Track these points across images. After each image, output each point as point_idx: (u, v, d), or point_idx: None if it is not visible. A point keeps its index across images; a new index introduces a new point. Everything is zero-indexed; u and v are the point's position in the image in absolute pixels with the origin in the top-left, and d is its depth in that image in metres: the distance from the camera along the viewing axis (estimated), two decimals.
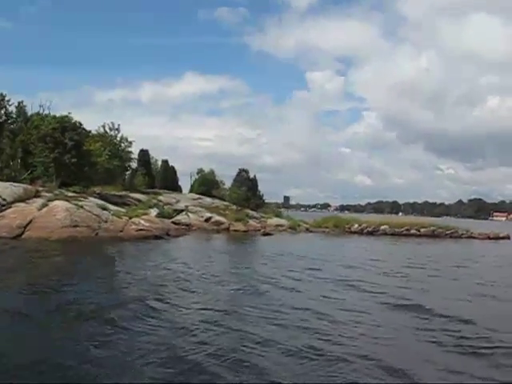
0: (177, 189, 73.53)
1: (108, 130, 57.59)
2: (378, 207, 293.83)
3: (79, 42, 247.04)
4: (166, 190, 64.04)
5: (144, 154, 70.45)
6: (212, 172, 76.67)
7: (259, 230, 47.40)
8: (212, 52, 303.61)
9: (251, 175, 66.15)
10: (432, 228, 51.81)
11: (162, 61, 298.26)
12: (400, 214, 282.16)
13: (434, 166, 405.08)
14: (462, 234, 52.07)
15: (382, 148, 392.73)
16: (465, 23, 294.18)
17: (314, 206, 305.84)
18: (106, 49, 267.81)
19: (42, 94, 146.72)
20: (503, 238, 54.00)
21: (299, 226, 51.69)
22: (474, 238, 52.11)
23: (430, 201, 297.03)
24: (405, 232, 51.13)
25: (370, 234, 50.89)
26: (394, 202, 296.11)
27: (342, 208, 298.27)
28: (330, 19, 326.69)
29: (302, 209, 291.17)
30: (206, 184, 72.46)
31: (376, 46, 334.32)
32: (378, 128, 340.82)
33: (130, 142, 58.15)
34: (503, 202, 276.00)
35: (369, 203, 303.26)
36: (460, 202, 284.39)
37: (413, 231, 51.26)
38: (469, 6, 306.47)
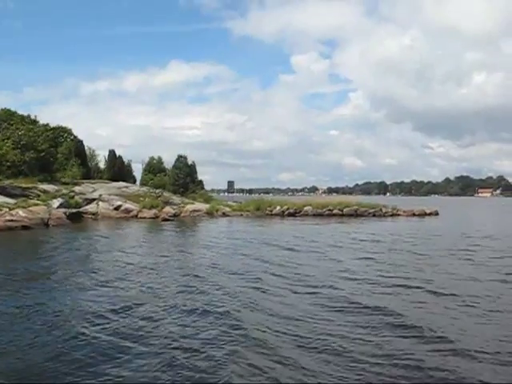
0: (126, 179, 71.90)
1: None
2: (365, 188, 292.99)
3: (61, 34, 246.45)
4: (104, 181, 62.24)
5: (78, 144, 68.71)
6: (159, 159, 75.14)
7: (173, 216, 46.08)
8: (195, 39, 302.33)
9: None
10: (355, 207, 50.16)
11: (145, 50, 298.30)
12: (387, 194, 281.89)
13: (424, 145, 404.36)
14: (386, 212, 50.39)
15: (370, 128, 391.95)
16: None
17: (302, 190, 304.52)
18: (88, 40, 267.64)
19: (27, 89, 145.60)
20: (430, 214, 52.34)
21: (217, 210, 50.03)
22: (399, 215, 50.49)
23: (418, 179, 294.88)
24: (327, 212, 49.54)
25: (292, 215, 49.33)
26: (382, 183, 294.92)
27: (330, 191, 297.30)
28: (312, 1, 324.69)
29: (290, 193, 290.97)
30: (153, 172, 71.07)
31: (359, 26, 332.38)
32: (365, 108, 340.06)
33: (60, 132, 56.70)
34: (490, 177, 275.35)
35: (357, 184, 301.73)
36: (447, 179, 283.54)
37: (336, 211, 49.65)
38: None
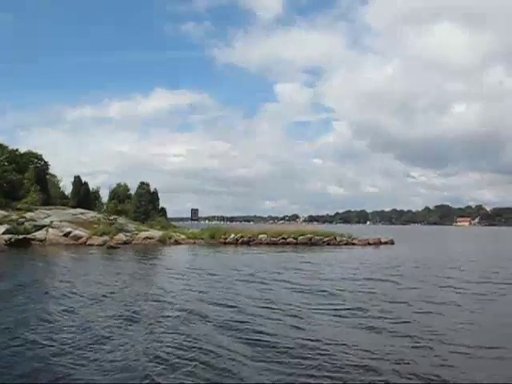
0: (90, 205, 71.07)
1: None
2: (346, 217, 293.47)
3: (46, 61, 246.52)
4: (63, 207, 61.35)
5: (39, 170, 68.11)
6: (125, 186, 74.60)
7: (123, 243, 45.72)
8: (179, 67, 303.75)
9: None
10: (309, 236, 49.79)
11: (130, 77, 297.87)
12: (368, 222, 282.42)
13: (406, 174, 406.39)
14: (340, 241, 50.09)
15: (353, 157, 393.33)
16: (428, 31, 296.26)
17: (283, 218, 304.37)
18: (73, 67, 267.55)
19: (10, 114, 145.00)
20: (385, 243, 52.11)
21: (170, 238, 49.53)
22: (354, 244, 50.18)
23: (400, 208, 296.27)
24: (281, 241, 49.21)
25: (246, 243, 48.90)
26: (362, 211, 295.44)
27: (311, 219, 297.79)
28: (296, 30, 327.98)
29: (271, 221, 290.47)
30: (118, 198, 70.45)
31: (342, 56, 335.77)
32: (348, 137, 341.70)
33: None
34: (469, 207, 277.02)
35: (337, 213, 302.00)
36: (427, 208, 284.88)
37: (290, 240, 49.28)
38: (431, 15, 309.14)
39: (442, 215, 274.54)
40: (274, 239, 49.45)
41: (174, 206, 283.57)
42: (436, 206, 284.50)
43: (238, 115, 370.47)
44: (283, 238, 49.43)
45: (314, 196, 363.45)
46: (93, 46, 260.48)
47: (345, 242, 50.22)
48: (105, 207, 52.52)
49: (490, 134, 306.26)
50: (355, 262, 32.38)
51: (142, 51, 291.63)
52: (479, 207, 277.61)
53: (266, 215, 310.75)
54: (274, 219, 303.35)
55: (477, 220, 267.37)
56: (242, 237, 49.88)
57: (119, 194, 71.43)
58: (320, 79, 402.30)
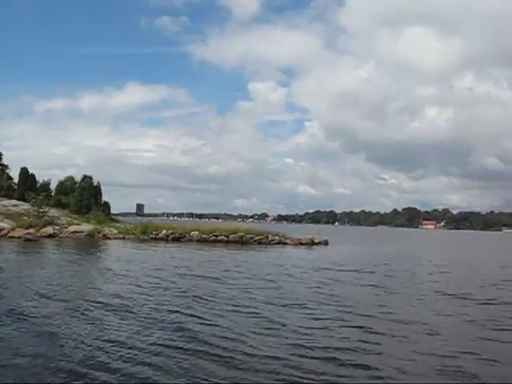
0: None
1: None
2: (315, 217, 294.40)
3: (19, 51, 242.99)
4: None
5: None
6: (72, 179, 73.40)
7: (49, 236, 44.97)
8: (154, 61, 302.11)
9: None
10: (240, 234, 49.27)
11: (103, 70, 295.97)
12: (336, 223, 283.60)
13: (377, 176, 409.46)
14: (272, 240, 49.64)
15: (325, 158, 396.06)
16: (402, 35, 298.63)
17: (252, 217, 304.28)
18: (46, 58, 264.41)
19: None
20: (319, 243, 51.80)
21: (99, 232, 48.76)
22: (286, 244, 49.78)
23: (371, 210, 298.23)
24: (213, 238, 48.66)
25: (177, 240, 48.25)
26: (331, 212, 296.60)
27: (280, 218, 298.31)
28: (272, 29, 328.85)
29: (240, 219, 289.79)
30: (65, 192, 69.32)
31: (318, 57, 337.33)
32: (320, 138, 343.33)
33: None
34: (436, 210, 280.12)
35: (307, 213, 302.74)
36: (395, 210, 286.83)
37: (221, 237, 48.76)
38: (406, 19, 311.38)
39: (410, 218, 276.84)
40: (206, 236, 48.84)
41: (144, 201, 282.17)
42: (404, 209, 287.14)
43: (211, 112, 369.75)
44: (215, 236, 48.87)
45: (286, 195, 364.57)
46: (67, 38, 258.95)
47: (277, 241, 49.71)
48: (33, 200, 51.20)
49: (460, 140, 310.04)
50: (262, 261, 32.02)
51: (116, 44, 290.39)
52: (446, 211, 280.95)
53: (236, 213, 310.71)
54: (244, 217, 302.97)
55: (442, 223, 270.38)
56: (172, 233, 49.21)
57: (66, 187, 70.32)
58: (295, 79, 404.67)
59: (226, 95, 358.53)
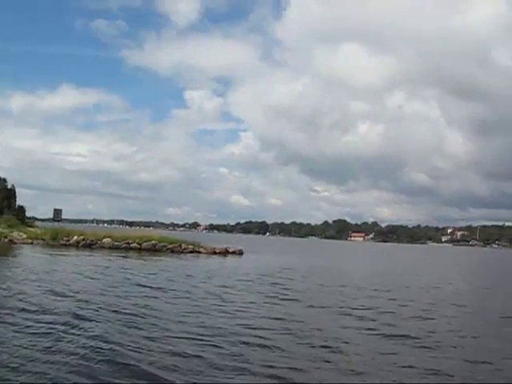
0: None
1: None
2: (246, 227, 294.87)
3: None
4: None
5: None
6: None
7: None
8: (89, 64, 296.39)
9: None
10: (153, 242, 48.71)
11: (36, 70, 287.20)
12: (267, 234, 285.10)
13: (310, 188, 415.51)
14: (185, 249, 49.26)
15: (258, 168, 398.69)
16: (338, 51, 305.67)
17: (183, 226, 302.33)
18: None
19: None
20: (233, 253, 51.74)
21: (6, 237, 47.21)
22: (200, 252, 49.51)
23: (302, 221, 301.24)
24: (125, 245, 47.86)
25: (89, 246, 47.20)
26: (263, 222, 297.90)
27: (212, 227, 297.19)
28: (209, 38, 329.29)
29: (171, 228, 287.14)
30: None
31: (254, 68, 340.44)
32: (255, 149, 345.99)
33: None
34: (365, 223, 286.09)
35: (238, 223, 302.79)
36: (326, 222, 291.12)
37: (134, 245, 48.04)
38: (342, 35, 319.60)
39: (340, 230, 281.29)
40: (118, 244, 48.00)
41: (73, 207, 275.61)
42: (334, 221, 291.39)
43: (145, 119, 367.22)
44: (127, 243, 48.11)
45: (218, 205, 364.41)
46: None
47: (190, 250, 49.39)
48: None
49: (390, 155, 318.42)
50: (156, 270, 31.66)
51: (51, 45, 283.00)
52: (374, 224, 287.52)
53: (168, 221, 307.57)
54: (175, 226, 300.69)
55: (371, 236, 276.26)
56: (83, 239, 48.14)
57: None
58: (230, 89, 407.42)
59: (161, 102, 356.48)
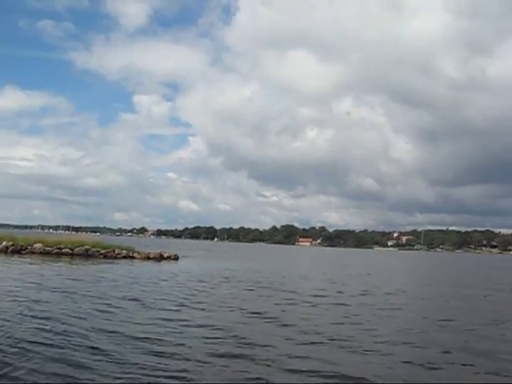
0: None
1: None
2: (194, 232, 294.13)
3: None
4: None
5: None
6: None
7: None
8: (34, 66, 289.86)
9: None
10: (86, 247, 47.87)
11: None
12: (216, 239, 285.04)
13: (258, 193, 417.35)
14: (119, 254, 48.57)
15: (207, 174, 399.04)
16: (286, 57, 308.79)
17: (131, 231, 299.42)
18: None
19: None
20: (168, 258, 51.31)
21: None
22: (134, 258, 48.94)
23: (250, 226, 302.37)
24: (56, 251, 46.82)
25: (18, 252, 45.97)
26: (211, 228, 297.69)
27: (160, 233, 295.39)
28: (158, 42, 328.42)
29: (118, 233, 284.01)
30: None
31: (203, 73, 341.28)
32: (203, 154, 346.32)
33: None
34: (313, 228, 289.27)
35: (186, 228, 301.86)
36: (274, 227, 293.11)
37: (66, 250, 47.06)
38: (290, 42, 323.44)
39: (288, 235, 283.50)
40: (49, 249, 46.95)
41: (18, 212, 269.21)
42: (282, 226, 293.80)
43: (92, 123, 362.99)
44: (58, 248, 47.10)
45: (167, 210, 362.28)
46: None
47: (123, 255, 48.77)
48: None
49: (338, 161, 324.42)
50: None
51: None
52: (322, 229, 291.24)
53: (116, 227, 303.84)
54: (123, 231, 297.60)
55: (318, 241, 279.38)
56: (12, 245, 46.89)
57: None
58: (179, 94, 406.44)
59: (109, 106, 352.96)
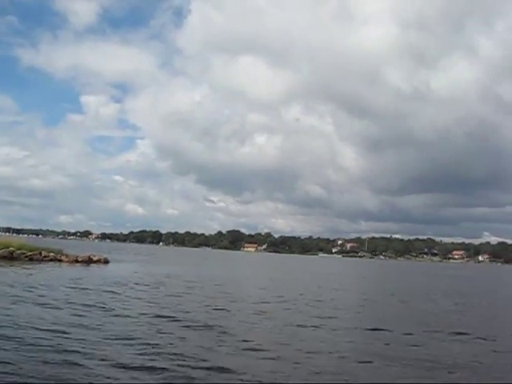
0: None
1: None
2: (140, 236, 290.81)
3: None
4: None
5: None
6: None
7: None
8: None
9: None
10: (10, 249, 46.61)
11: None
12: (161, 243, 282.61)
13: (206, 198, 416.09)
14: (45, 257, 47.59)
15: (155, 177, 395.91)
16: (236, 62, 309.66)
17: (75, 234, 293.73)
18: None
19: None
20: (97, 261, 50.51)
21: None
22: (61, 261, 48.01)
23: (197, 231, 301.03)
24: None
25: None
26: (156, 232, 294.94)
27: (104, 236, 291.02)
28: (108, 43, 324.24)
29: (61, 236, 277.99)
30: None
31: (153, 75, 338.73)
32: (151, 157, 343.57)
33: None
34: (259, 234, 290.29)
35: (132, 232, 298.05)
36: (220, 233, 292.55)
37: None
38: (240, 47, 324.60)
39: (233, 240, 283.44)
40: None
41: None
42: (228, 231, 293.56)
43: (38, 122, 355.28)
44: None
45: (113, 213, 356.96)
46: None
47: (51, 257, 47.80)
48: None
49: (286, 167, 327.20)
50: None
51: None
52: (268, 235, 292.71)
53: (60, 229, 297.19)
54: (66, 234, 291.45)
55: (264, 246, 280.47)
56: None
57: None
58: (128, 95, 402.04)
59: (56, 106, 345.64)
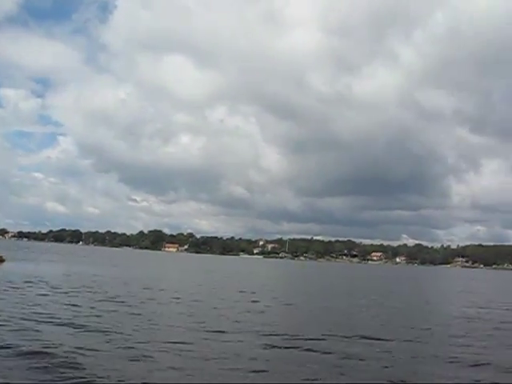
0: None
1: None
2: (59, 235, 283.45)
3: None
4: None
5: None
6: None
7: None
8: None
9: None
10: None
11: None
12: (81, 242, 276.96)
13: (129, 197, 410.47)
14: None
15: (76, 175, 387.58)
16: (162, 61, 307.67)
17: None
18: None
19: None
20: None
21: None
22: None
23: (115, 231, 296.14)
24: None
25: None
26: (76, 231, 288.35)
27: (21, 235, 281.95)
28: (29, 35, 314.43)
29: None
30: None
31: (77, 71, 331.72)
32: (73, 154, 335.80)
33: None
34: (181, 234, 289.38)
35: (51, 231, 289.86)
36: (141, 232, 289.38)
37: None
38: (167, 46, 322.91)
39: (155, 240, 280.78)
40: None
41: None
42: (150, 231, 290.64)
43: None
44: None
45: (32, 211, 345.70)
46: None
47: None
48: None
49: (210, 168, 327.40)
50: None
51: None
52: (190, 235, 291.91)
53: None
54: None
55: (185, 247, 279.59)
56: None
57: None
58: (50, 91, 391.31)
59: None
